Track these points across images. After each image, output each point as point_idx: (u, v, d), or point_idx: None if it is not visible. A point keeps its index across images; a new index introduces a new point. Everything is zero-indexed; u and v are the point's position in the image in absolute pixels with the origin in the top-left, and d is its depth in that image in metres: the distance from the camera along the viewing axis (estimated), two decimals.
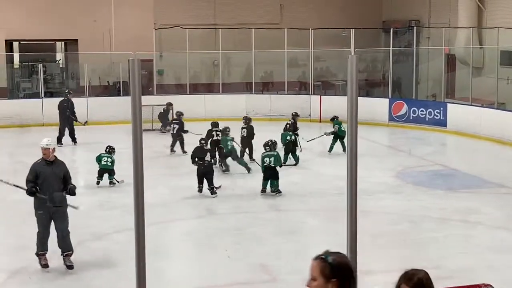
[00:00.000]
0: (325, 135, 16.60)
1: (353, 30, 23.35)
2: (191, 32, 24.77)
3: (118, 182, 12.65)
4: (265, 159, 12.04)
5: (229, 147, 14.29)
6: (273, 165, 11.88)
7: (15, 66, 26.78)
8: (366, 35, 25.54)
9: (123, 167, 12.11)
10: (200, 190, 11.77)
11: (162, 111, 20.52)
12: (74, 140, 18.28)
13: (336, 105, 22.20)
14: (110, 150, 13.01)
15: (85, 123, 19.47)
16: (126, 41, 24.07)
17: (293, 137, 15.26)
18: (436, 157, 16.03)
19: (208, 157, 12.00)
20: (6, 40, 25.07)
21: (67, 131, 18.26)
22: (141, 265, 2.76)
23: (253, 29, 24.30)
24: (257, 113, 22.52)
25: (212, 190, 11.70)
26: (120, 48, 24.03)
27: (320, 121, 21.39)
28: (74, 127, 18.44)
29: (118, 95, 23.86)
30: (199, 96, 23.42)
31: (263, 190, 11.93)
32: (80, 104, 21.58)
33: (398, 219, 10.45)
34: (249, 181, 13.15)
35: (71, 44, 26.43)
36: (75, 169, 14.40)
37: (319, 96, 23.20)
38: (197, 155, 11.99)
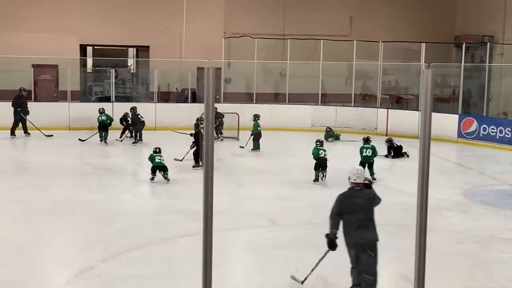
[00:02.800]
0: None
1: (424, 44, 23.00)
2: (259, 42, 24.93)
3: (168, 180, 13.63)
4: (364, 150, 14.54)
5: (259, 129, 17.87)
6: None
7: (88, 70, 27.53)
8: (437, 50, 25.08)
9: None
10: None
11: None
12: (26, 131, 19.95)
13: (404, 119, 21.95)
14: (159, 150, 14.17)
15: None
16: (196, 49, 24.43)
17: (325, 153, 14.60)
18: (505, 176, 15.57)
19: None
20: (80, 45, 25.80)
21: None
22: (208, 271, 2.78)
23: (321, 40, 24.25)
24: (322, 124, 22.45)
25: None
26: (189, 55, 24.41)
27: (387, 135, 21.08)
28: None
29: (186, 101, 24.21)
30: (265, 106, 23.49)
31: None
32: (149, 110, 22.05)
33: (465, 238, 10.19)
34: (314, 191, 13.12)
35: (142, 51, 26.99)
36: (136, 174, 14.72)
37: (386, 109, 22.92)
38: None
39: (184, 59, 24.64)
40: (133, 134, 19.77)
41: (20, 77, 22.91)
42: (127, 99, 25.25)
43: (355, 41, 24.13)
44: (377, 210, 7.31)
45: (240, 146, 18.55)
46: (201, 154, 15.30)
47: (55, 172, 14.60)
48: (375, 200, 7.24)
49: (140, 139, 19.28)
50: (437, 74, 25.64)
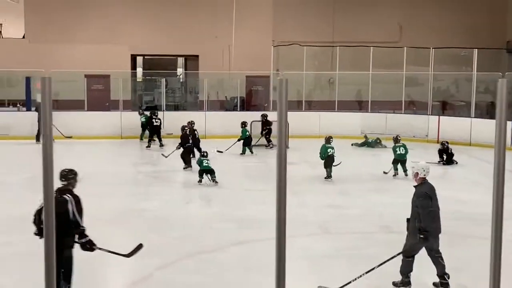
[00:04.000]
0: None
1: (476, 50, 22.62)
2: (308, 49, 24.92)
3: (217, 182, 14.23)
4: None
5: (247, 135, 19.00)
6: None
7: (138, 80, 27.94)
8: (489, 55, 24.63)
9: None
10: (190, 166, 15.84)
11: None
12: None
13: (455, 126, 21.59)
14: (207, 154, 14.76)
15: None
16: (245, 57, 24.57)
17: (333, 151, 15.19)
18: None
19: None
20: (131, 55, 26.23)
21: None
22: (281, 278, 2.77)
23: (371, 48, 24.08)
24: (372, 131, 22.26)
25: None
26: (238, 64, 24.56)
27: (438, 142, 20.75)
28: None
29: (235, 110, 24.33)
30: (314, 113, 23.43)
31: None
32: (199, 118, 22.19)
33: None
34: (365, 199, 13.02)
35: (191, 60, 27.28)
36: (188, 180, 14.86)
37: (437, 116, 22.59)
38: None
39: (233, 67, 24.78)
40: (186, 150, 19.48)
41: (74, 87, 23.42)
42: (176, 108, 25.55)
43: (405, 48, 23.89)
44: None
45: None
46: (187, 156, 16.31)
47: (109, 181, 14.83)
48: (435, 191, 7.84)
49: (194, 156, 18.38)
50: (486, 80, 25.16)
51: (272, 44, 25.61)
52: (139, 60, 28.60)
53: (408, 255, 7.81)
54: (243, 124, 19.49)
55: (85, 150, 20.06)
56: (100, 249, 7.01)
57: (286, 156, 2.99)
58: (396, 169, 15.66)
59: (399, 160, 15.56)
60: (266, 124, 20.58)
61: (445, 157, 17.48)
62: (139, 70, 28.68)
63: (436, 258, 7.75)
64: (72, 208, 6.64)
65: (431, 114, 23.02)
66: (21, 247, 9.16)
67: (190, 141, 16.74)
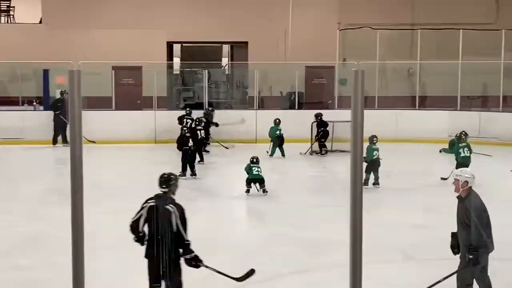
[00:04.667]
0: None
1: None
2: (382, 34, 24.76)
3: (267, 191, 14.67)
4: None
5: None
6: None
7: (175, 72, 28.20)
8: None
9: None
10: (184, 174, 16.34)
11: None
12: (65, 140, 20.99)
13: None
14: (257, 160, 14.87)
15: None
16: (304, 44, 24.58)
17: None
18: None
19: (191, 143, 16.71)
20: (167, 42, 26.48)
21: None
22: None
23: (460, 31, 23.78)
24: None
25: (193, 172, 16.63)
26: (296, 52, 24.57)
27: None
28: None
29: (292, 107, 24.33)
30: (389, 112, 23.23)
31: None
32: (250, 118, 22.24)
33: None
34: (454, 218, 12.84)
35: (239, 47, 27.43)
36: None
37: None
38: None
39: (290, 56, 24.82)
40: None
41: (99, 81, 23.77)
42: (221, 105, 25.71)
43: (503, 31, 23.50)
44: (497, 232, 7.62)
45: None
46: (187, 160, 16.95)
47: (140, 194, 14.99)
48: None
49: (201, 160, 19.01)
50: None
51: (337, 28, 25.54)
52: (177, 48, 28.90)
53: (467, 283, 7.83)
54: (276, 121, 20.25)
55: (112, 157, 20.35)
56: (207, 267, 7.57)
57: (363, 165, 2.97)
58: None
59: (463, 164, 15.10)
60: (321, 125, 20.54)
61: None
62: (177, 61, 28.98)
63: (482, 274, 7.81)
64: (176, 220, 7.14)
65: None
66: (44, 272, 9.34)
67: (190, 144, 17.03)
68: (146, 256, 7.37)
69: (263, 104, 24.91)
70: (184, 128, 17.78)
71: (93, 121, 21.31)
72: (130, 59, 23.99)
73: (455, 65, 24.12)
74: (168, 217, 7.13)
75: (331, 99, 25.04)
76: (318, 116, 20.72)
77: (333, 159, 20.00)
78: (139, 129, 22.57)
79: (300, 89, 24.91)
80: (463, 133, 16.24)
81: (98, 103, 23.01)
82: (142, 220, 7.33)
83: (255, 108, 23.75)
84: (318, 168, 18.94)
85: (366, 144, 15.54)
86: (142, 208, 7.39)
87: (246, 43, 26.22)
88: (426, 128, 22.26)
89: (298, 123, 21.78)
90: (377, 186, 15.48)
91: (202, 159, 18.72)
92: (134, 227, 7.33)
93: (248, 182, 14.73)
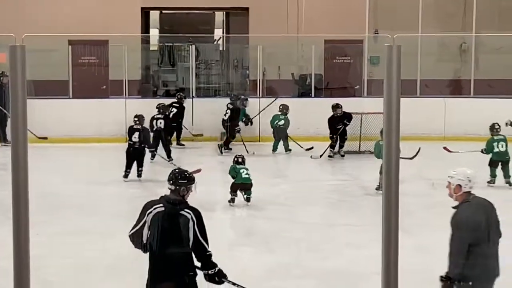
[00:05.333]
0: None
1: None
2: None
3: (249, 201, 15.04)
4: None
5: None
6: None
7: (151, 48, 28.18)
8: None
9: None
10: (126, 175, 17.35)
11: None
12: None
13: None
14: (243, 160, 15.18)
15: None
16: (322, 12, 24.53)
17: None
18: None
19: (136, 137, 17.49)
20: (142, 9, 26.45)
21: None
22: None
23: None
24: None
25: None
26: (312, 22, 24.54)
27: None
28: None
29: (306, 95, 24.30)
30: (436, 100, 23.21)
31: None
32: (251, 108, 22.19)
33: None
34: None
35: (236, 15, 27.43)
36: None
37: None
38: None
39: (305, 27, 24.82)
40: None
41: (50, 60, 23.75)
42: (213, 92, 25.70)
43: None
44: None
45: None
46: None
47: (104, 209, 14.97)
48: (496, 213, 8.00)
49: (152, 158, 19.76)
50: None
51: None
52: (155, 16, 28.92)
53: None
54: (280, 108, 21.24)
55: (68, 159, 20.31)
56: (234, 284, 7.95)
57: (399, 170, 2.97)
58: (494, 175, 16.65)
59: (499, 161, 16.50)
60: (342, 118, 20.50)
61: None
62: (154, 33, 28.99)
63: None
64: (194, 228, 7.31)
65: None
66: None
67: (136, 138, 17.63)
68: (151, 278, 7.51)
69: (269, 90, 24.86)
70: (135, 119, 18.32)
71: (43, 112, 21.31)
72: (92, 31, 23.94)
73: None
74: (185, 226, 7.29)
75: (359, 83, 25.03)
76: (337, 108, 20.60)
77: (359, 162, 19.96)
78: (105, 122, 22.55)
79: (317, 71, 24.89)
80: (496, 124, 16.96)
81: (49, 88, 23.01)
82: (146, 230, 7.42)
83: (257, 95, 23.73)
84: (338, 175, 18.92)
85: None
86: (145, 215, 7.47)
87: (247, 9, 26.19)
88: (480, 120, 22.19)
89: (314, 115, 21.76)
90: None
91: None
92: (134, 239, 7.52)
93: (234, 189, 14.97)
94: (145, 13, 27.54)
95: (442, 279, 7.72)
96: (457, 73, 25.69)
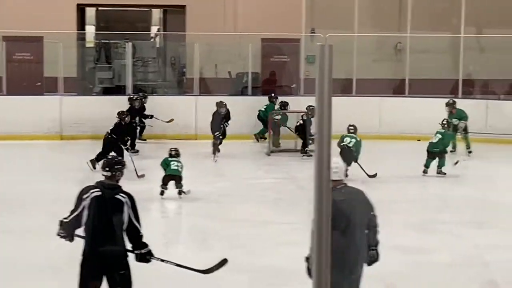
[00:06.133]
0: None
1: None
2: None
3: (185, 192, 15.30)
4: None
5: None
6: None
7: (87, 45, 27.98)
8: None
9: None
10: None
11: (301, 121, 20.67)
12: None
13: None
14: (177, 153, 15.62)
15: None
16: (260, 10, 24.55)
17: None
18: None
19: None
20: (78, 5, 26.25)
21: None
22: None
23: None
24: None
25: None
26: (249, 20, 24.56)
27: None
28: None
29: (244, 93, 24.33)
30: (371, 100, 23.36)
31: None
32: (187, 107, 22.16)
33: None
34: (460, 239, 13.02)
35: (173, 13, 27.36)
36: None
37: None
38: None
39: (242, 25, 24.83)
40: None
41: None
42: (150, 89, 25.60)
43: None
44: None
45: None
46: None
47: (39, 209, 14.82)
48: (370, 205, 8.35)
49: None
50: None
51: None
52: (91, 13, 28.72)
53: None
54: (272, 98, 22.00)
55: (1, 156, 20.09)
56: (162, 260, 8.56)
57: (330, 167, 2.98)
58: (427, 165, 17.93)
59: (429, 153, 17.81)
60: (225, 117, 20.53)
61: None
62: (90, 30, 28.77)
63: None
64: (128, 212, 7.84)
65: None
66: None
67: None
68: (84, 256, 7.89)
69: (206, 88, 24.80)
70: (123, 115, 18.82)
71: None
72: (27, 27, 23.70)
73: (455, 40, 24.40)
74: (120, 209, 7.77)
75: (296, 82, 25.10)
76: (220, 106, 20.41)
77: (296, 160, 20.04)
78: (39, 120, 22.33)
79: (254, 69, 24.90)
80: (444, 119, 18.64)
81: None
82: (85, 214, 7.79)
83: (194, 93, 23.69)
84: (275, 173, 18.98)
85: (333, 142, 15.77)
86: (82, 199, 7.81)
87: (184, 7, 26.09)
88: (417, 120, 22.43)
89: (252, 113, 21.82)
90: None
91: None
92: (72, 224, 7.87)
93: (164, 181, 15.30)
94: (81, 9, 27.30)
95: (306, 259, 8.03)
96: (392, 73, 25.85)
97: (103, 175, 8.03)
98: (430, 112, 22.76)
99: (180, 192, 15.29)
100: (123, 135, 18.38)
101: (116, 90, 24.47)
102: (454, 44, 24.64)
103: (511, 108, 22.81)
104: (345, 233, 7.96)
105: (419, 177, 18.06)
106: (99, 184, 7.93)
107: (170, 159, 15.48)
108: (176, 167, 15.31)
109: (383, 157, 19.81)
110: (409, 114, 22.70)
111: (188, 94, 23.82)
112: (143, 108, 21.88)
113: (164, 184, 15.27)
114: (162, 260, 8.50)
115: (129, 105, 20.83)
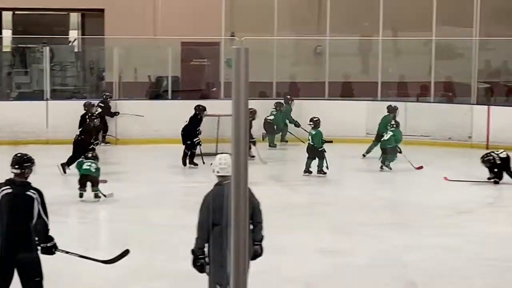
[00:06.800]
0: None
1: None
2: (281, 2, 24.95)
3: (105, 195, 15.28)
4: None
5: None
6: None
7: (4, 50, 27.61)
8: None
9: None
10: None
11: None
12: None
13: None
14: (94, 155, 15.78)
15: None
16: (180, 14, 24.46)
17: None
18: None
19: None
20: None
21: None
22: None
23: None
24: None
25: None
26: (169, 23, 24.45)
27: (488, 147, 20.96)
28: None
29: (164, 97, 24.25)
30: (295, 103, 23.41)
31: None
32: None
33: None
34: (375, 242, 13.11)
35: (92, 17, 27.12)
36: None
37: (486, 106, 22.84)
38: None
39: (161, 29, 24.73)
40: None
41: None
42: (68, 94, 25.35)
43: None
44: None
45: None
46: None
47: None
48: (255, 201, 8.62)
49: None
50: None
51: None
52: (7, 17, 28.33)
53: None
54: (288, 100, 22.76)
55: None
56: (67, 252, 9.11)
57: (247, 171, 2.98)
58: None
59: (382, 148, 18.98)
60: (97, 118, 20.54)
61: (497, 171, 17.63)
62: (7, 34, 28.38)
63: None
64: (39, 207, 8.14)
65: (477, 103, 23.26)
66: None
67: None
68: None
69: (126, 92, 24.61)
70: (93, 117, 19.29)
71: None
72: None
73: (373, 43, 24.60)
74: (31, 205, 8.10)
75: (216, 85, 25.06)
76: (200, 110, 20.40)
77: None
78: None
79: (174, 73, 24.80)
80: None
81: None
82: None
83: (114, 98, 23.50)
84: (199, 177, 18.93)
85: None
86: None
87: (102, 10, 25.84)
88: (338, 122, 22.55)
89: (172, 117, 21.75)
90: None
91: None
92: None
93: (80, 183, 15.32)
94: None
95: (193, 252, 8.80)
96: (312, 76, 25.93)
97: (12, 172, 8.29)
98: (349, 114, 23.03)
99: (96, 196, 15.27)
100: (92, 136, 18.36)
101: (34, 95, 24.11)
102: (372, 47, 24.81)
103: (429, 109, 23.04)
104: (228, 228, 8.06)
105: (337, 180, 18.18)
106: (9, 182, 8.21)
107: (84, 160, 15.57)
108: (88, 167, 15.32)
109: (298, 159, 19.85)
110: (329, 117, 22.74)
111: (108, 98, 23.59)
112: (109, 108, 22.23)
113: (81, 186, 15.27)
114: (67, 252, 9.06)
115: (84, 111, 20.57)
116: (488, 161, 17.53)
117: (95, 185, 15.32)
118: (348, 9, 25.50)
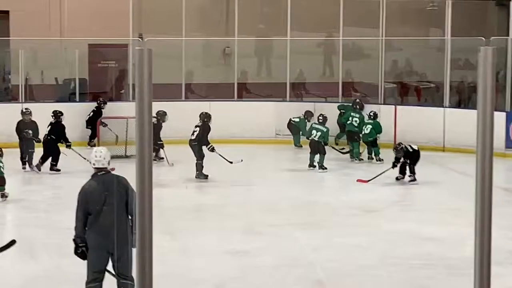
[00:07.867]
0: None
1: (450, 1, 23.27)
2: (189, 3, 24.89)
3: (6, 196, 15.38)
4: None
5: None
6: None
7: None
8: (469, 11, 25.50)
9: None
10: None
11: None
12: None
13: (421, 120, 22.13)
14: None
15: None
16: (87, 16, 24.23)
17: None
18: None
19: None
20: None
21: None
22: None
23: None
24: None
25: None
26: (76, 25, 24.20)
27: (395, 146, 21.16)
28: None
29: (72, 100, 24.00)
30: (200, 104, 23.40)
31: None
32: (11, 115, 21.67)
33: None
34: (285, 243, 13.17)
35: None
36: None
37: (393, 106, 23.13)
38: None
39: (68, 30, 24.48)
40: None
41: None
42: None
43: (341, 0, 24.29)
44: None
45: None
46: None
47: None
48: (129, 191, 8.98)
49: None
50: (464, 49, 25.86)
51: None
52: None
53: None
54: (308, 114, 22.35)
55: None
56: None
57: (152, 173, 2.98)
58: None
59: (349, 132, 20.59)
60: (31, 125, 20.11)
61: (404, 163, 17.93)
62: None
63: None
64: None
65: (384, 103, 23.53)
66: None
67: None
68: None
69: (32, 95, 24.30)
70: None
71: None
72: None
73: (281, 43, 24.69)
74: None
75: (124, 88, 24.90)
76: (24, 114, 19.87)
77: (128, 166, 19.87)
78: None
79: (82, 75, 24.56)
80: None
81: None
82: None
83: (20, 101, 23.18)
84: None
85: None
86: None
87: (7, 12, 25.47)
88: (247, 123, 22.62)
89: (79, 119, 21.57)
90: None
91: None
92: None
93: None
94: None
95: (74, 240, 9.06)
96: (221, 77, 25.92)
97: None
98: (260, 115, 23.10)
99: (2, 196, 15.27)
100: (62, 134, 18.78)
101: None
102: (283, 48, 24.88)
103: (328, 109, 23.14)
104: (99, 216, 8.84)
105: (247, 180, 18.22)
106: None
107: None
108: None
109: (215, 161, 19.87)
110: (239, 118, 22.80)
111: (13, 102, 23.25)
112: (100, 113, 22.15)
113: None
114: None
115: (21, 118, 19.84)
116: (401, 149, 17.85)
117: (2, 184, 15.30)
118: (258, 10, 25.55)
